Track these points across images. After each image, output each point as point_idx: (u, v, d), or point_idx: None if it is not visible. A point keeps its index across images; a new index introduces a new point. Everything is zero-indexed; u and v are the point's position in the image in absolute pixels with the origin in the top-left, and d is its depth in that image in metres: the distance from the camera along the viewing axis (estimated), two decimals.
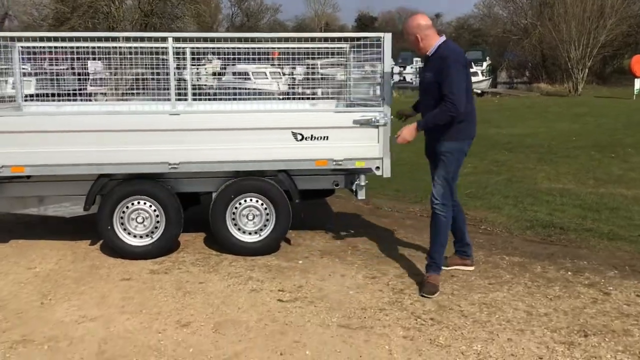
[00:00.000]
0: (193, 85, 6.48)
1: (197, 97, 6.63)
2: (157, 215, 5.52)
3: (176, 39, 5.50)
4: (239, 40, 6.83)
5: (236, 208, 5.61)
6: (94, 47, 6.51)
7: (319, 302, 4.60)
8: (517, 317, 4.35)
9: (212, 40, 6.19)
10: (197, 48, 6.60)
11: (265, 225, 5.66)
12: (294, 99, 6.95)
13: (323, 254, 5.74)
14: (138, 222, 5.51)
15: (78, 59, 6.54)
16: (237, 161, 5.46)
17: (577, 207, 7.42)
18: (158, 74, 6.15)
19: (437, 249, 4.91)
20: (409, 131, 4.80)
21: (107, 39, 6.87)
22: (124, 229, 5.52)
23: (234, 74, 10.09)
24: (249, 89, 8.65)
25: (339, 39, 6.54)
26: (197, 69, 7.89)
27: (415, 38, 4.76)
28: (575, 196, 7.97)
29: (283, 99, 7.45)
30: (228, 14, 68.44)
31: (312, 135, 5.49)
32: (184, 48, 6.32)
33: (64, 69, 6.77)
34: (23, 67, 7.37)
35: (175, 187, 5.62)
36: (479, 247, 5.86)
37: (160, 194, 5.50)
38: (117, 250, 5.54)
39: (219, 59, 7.14)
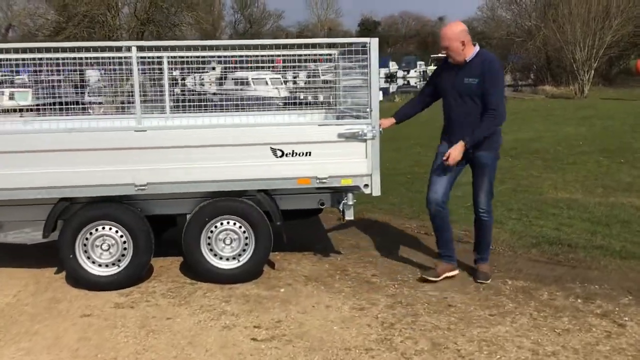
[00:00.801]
0: (190, 94, 6.07)
1: (187, 108, 6.15)
2: (124, 242, 5.02)
3: (141, 48, 5.00)
4: (218, 48, 6.35)
5: (212, 232, 5.12)
6: (65, 58, 6.05)
7: (297, 341, 4.08)
8: (521, 357, 3.82)
9: (180, 48, 5.71)
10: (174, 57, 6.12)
11: (244, 250, 5.17)
12: (290, 108, 6.48)
13: (308, 280, 5.24)
14: (103, 250, 5.02)
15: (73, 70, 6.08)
16: (211, 181, 4.98)
17: (586, 221, 6.88)
18: (153, 85, 5.72)
19: (484, 248, 5.26)
20: (458, 152, 4.88)
21: (75, 49, 6.38)
22: (88, 257, 5.01)
23: (235, 83, 9.66)
24: (249, 96, 8.18)
25: (321, 46, 6.04)
26: (201, 77, 7.47)
27: (461, 43, 4.86)
28: (584, 208, 7.44)
29: (283, 106, 6.98)
30: (231, 20, 68.21)
31: (293, 151, 5.01)
32: (161, 57, 5.86)
33: (48, 79, 6.29)
34: (20, 77, 6.93)
35: (145, 209, 5.13)
36: None
37: (127, 218, 5.00)
38: (80, 281, 5.05)
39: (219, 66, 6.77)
